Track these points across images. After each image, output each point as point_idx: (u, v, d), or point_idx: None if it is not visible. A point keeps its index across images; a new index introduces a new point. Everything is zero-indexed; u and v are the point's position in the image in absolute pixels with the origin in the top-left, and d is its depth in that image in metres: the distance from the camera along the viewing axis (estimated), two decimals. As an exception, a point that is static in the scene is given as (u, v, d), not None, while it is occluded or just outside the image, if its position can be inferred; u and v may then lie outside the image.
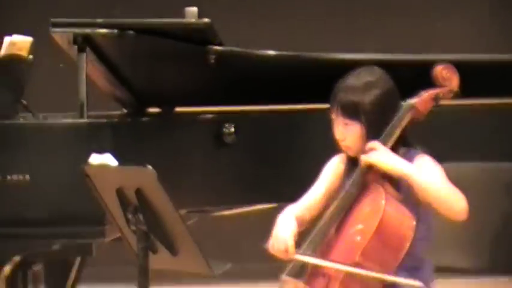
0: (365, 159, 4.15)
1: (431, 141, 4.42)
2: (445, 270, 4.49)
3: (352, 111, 4.24)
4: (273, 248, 4.16)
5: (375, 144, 4.15)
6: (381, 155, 4.14)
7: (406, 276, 4.12)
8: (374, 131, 4.24)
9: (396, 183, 4.18)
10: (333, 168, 4.35)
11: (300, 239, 4.24)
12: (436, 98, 4.28)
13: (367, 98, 4.22)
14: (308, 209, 4.32)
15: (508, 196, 4.81)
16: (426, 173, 4.21)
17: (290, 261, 4.21)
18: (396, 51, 5.46)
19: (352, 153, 4.27)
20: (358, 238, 4.19)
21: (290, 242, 4.11)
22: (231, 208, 5.22)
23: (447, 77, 4.28)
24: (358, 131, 4.22)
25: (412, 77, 4.43)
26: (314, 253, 4.17)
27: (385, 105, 4.27)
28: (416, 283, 4.06)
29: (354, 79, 4.28)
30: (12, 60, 5.38)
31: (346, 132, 4.24)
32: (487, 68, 5.53)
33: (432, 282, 4.26)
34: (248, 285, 5.50)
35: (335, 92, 4.27)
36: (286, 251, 4.16)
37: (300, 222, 4.21)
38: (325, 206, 4.28)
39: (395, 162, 4.16)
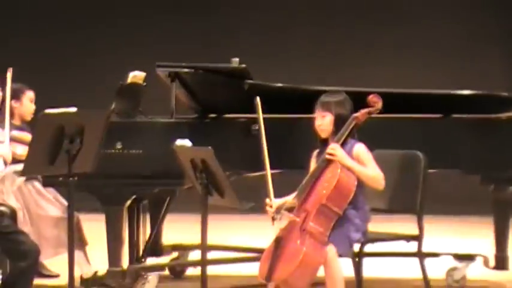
0: (329, 155, 5.50)
1: (368, 136, 5.73)
2: (373, 210, 5.78)
3: (327, 108, 5.63)
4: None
5: (334, 145, 5.52)
6: (341, 156, 5.51)
7: (355, 212, 5.50)
8: (338, 120, 5.59)
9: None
10: (312, 161, 5.70)
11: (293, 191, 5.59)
12: (369, 113, 5.67)
13: (335, 100, 5.66)
14: None
15: (402, 170, 6.01)
16: (363, 166, 5.50)
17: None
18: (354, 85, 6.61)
19: (324, 135, 5.62)
20: (324, 191, 5.47)
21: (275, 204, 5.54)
22: (253, 171, 6.36)
23: (375, 101, 5.69)
24: (330, 119, 5.61)
25: (358, 100, 5.72)
26: (300, 197, 5.49)
27: (344, 106, 5.63)
28: None
29: (328, 94, 5.74)
30: (134, 85, 6.84)
31: (323, 120, 5.61)
32: (399, 97, 6.78)
33: (369, 217, 5.68)
34: (262, 216, 5.79)
35: (318, 100, 5.66)
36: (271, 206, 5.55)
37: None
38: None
39: (346, 160, 5.51)
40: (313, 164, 5.75)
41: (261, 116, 5.71)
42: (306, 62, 10.87)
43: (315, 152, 5.75)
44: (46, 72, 10.82)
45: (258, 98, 5.77)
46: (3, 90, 6.58)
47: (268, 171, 5.62)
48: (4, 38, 11.32)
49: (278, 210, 5.58)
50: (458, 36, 11.23)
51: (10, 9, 11.49)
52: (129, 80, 6.84)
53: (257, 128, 6.17)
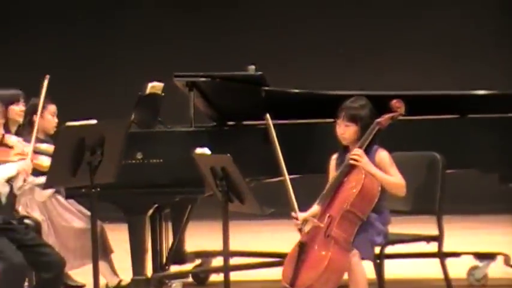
0: (353, 161, 5.49)
1: (386, 138, 5.72)
2: (393, 212, 5.76)
3: (353, 119, 5.62)
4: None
5: (358, 151, 5.52)
6: (365, 163, 5.51)
7: (377, 216, 5.51)
8: (363, 131, 5.60)
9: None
10: (331, 167, 5.71)
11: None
12: (392, 118, 5.67)
13: (361, 112, 5.63)
14: None
15: (420, 172, 5.98)
16: (386, 172, 5.51)
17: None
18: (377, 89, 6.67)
19: (345, 143, 5.63)
20: (349, 197, 5.47)
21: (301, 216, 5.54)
22: (273, 177, 6.21)
23: (398, 106, 5.68)
24: (354, 130, 5.61)
25: (382, 104, 5.71)
26: (324, 203, 5.51)
27: (369, 118, 5.63)
28: None
29: (354, 101, 5.68)
30: (153, 96, 6.87)
31: (347, 129, 5.61)
32: (422, 100, 6.83)
33: (389, 220, 5.68)
34: (281, 221, 6.03)
35: (342, 107, 5.63)
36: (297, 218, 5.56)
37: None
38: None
39: (369, 166, 5.51)
40: (332, 168, 5.75)
41: (272, 131, 5.71)
42: (321, 67, 10.87)
43: (334, 156, 5.76)
44: (67, 84, 10.76)
45: (267, 115, 5.77)
46: (26, 103, 6.74)
47: (289, 185, 5.62)
48: (26, 51, 11.37)
49: (304, 222, 5.58)
50: (468, 39, 11.23)
51: (32, 23, 11.54)
52: (147, 91, 6.88)
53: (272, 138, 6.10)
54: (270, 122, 5.73)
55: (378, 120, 5.63)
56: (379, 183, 5.55)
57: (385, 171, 5.59)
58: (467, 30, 11.22)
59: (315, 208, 5.64)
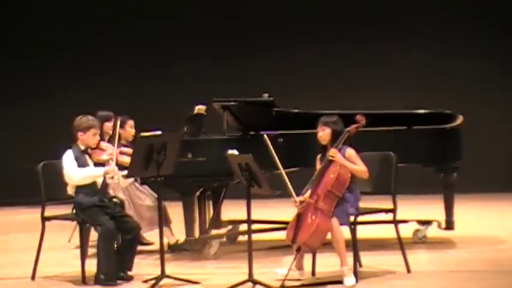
0: (331, 157, 5.44)
1: (356, 143, 5.65)
2: (362, 193, 5.68)
3: (326, 125, 5.58)
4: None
5: (334, 150, 5.48)
6: (338, 158, 5.48)
7: (350, 194, 5.42)
8: (334, 133, 5.54)
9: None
10: (317, 163, 5.62)
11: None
12: (357, 127, 5.63)
13: (332, 120, 5.60)
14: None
15: (380, 165, 5.81)
16: (353, 164, 5.45)
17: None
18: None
19: (324, 143, 5.54)
20: (329, 181, 5.46)
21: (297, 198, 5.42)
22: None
23: (361, 119, 5.65)
24: (328, 132, 5.56)
25: (348, 119, 5.68)
26: (313, 186, 5.41)
27: (337, 124, 5.58)
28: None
29: (326, 116, 5.66)
30: (198, 115, 6.96)
31: (323, 132, 5.56)
32: (381, 116, 6.78)
33: (359, 197, 5.59)
34: (285, 199, 5.59)
35: (319, 120, 5.61)
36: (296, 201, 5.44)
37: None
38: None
39: (342, 160, 5.48)
40: (318, 164, 5.69)
41: (271, 147, 5.47)
42: (313, 93, 10.65)
43: (319, 156, 5.70)
44: (140, 102, 10.76)
45: (265, 135, 5.58)
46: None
47: (287, 179, 5.42)
48: (103, 75, 11.21)
49: (301, 202, 5.48)
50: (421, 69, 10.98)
51: (101, 46, 11.32)
52: (195, 111, 6.93)
53: (282, 140, 6.30)
54: (268, 141, 5.50)
55: (348, 128, 5.58)
56: (349, 172, 5.49)
57: (352, 162, 5.53)
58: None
59: (306, 194, 5.53)
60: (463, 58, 10.87)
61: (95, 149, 5.71)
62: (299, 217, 5.52)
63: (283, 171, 5.43)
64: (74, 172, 5.58)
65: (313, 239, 5.40)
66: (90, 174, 5.63)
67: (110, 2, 11.42)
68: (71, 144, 5.73)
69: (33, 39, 11.30)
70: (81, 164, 5.66)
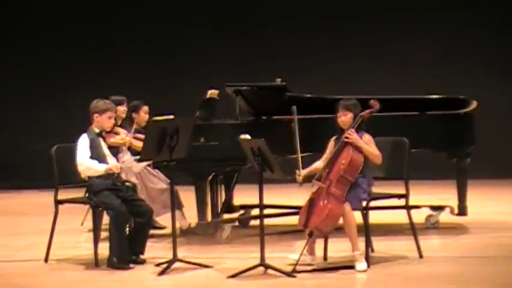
0: (347, 138, 5.46)
1: (371, 128, 5.66)
2: (375, 178, 5.70)
3: (348, 109, 5.57)
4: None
5: (351, 131, 5.50)
6: (355, 138, 5.49)
7: (363, 179, 5.42)
8: (354, 118, 5.54)
9: (358, 147, 5.51)
10: (330, 145, 5.63)
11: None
12: (371, 112, 5.63)
13: (353, 103, 5.59)
14: (321, 166, 5.60)
15: (394, 150, 5.81)
16: (368, 146, 5.47)
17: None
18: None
19: (345, 127, 5.52)
20: (342, 166, 5.49)
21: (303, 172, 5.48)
22: (292, 155, 5.86)
23: (374, 104, 5.65)
24: (351, 116, 5.56)
25: (362, 104, 5.66)
26: (327, 169, 5.43)
27: (357, 109, 5.59)
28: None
29: (346, 99, 5.66)
30: (211, 99, 6.91)
31: (346, 117, 5.55)
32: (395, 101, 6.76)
33: (372, 182, 5.60)
34: (297, 184, 5.55)
35: (339, 103, 5.58)
36: (299, 175, 5.47)
37: (316, 170, 5.56)
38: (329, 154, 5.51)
39: (358, 141, 5.49)
40: (331, 145, 5.65)
41: (296, 117, 5.61)
42: (326, 76, 10.66)
43: (333, 138, 5.67)
44: (155, 88, 10.75)
45: (294, 107, 5.69)
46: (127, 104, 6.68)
47: (299, 152, 5.50)
48: (122, 65, 11.21)
49: (308, 179, 5.46)
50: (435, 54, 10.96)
51: (118, 49, 11.33)
52: (207, 95, 6.88)
53: (294, 124, 5.99)
54: (295, 111, 5.61)
55: (362, 113, 5.59)
56: (362, 156, 5.47)
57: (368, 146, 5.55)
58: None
59: (311, 167, 5.53)
60: (473, 44, 10.83)
61: (109, 132, 5.73)
62: (311, 202, 5.52)
63: (298, 151, 5.46)
64: (82, 160, 5.62)
65: (325, 223, 5.41)
66: (94, 168, 5.64)
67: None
68: (86, 128, 5.76)
69: (51, 27, 11.32)
70: (95, 146, 5.69)
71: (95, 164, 5.63)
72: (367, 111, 5.62)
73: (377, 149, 5.52)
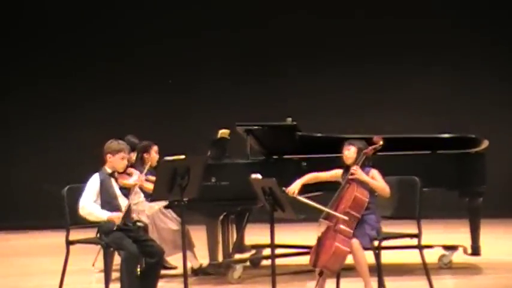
0: (352, 174, 5.46)
1: (381, 167, 5.70)
2: (386, 217, 5.75)
3: (352, 144, 5.63)
4: (288, 189, 5.49)
5: (355, 167, 5.52)
6: (359, 173, 5.53)
7: (370, 216, 5.41)
8: (358, 153, 5.59)
9: (363, 183, 5.54)
10: (335, 172, 5.68)
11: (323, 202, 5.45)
12: (374, 149, 5.66)
13: (357, 142, 5.67)
14: (315, 178, 5.71)
15: (405, 190, 5.75)
16: (375, 180, 5.49)
17: (293, 199, 5.35)
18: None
19: (349, 162, 5.56)
20: (347, 203, 5.48)
21: (294, 188, 5.49)
22: (303, 194, 5.68)
23: (377, 141, 5.67)
24: (354, 150, 5.62)
25: (367, 141, 5.68)
26: (332, 208, 5.39)
27: (361, 143, 5.64)
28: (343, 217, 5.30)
29: (352, 139, 5.76)
30: (222, 139, 6.94)
31: (349, 150, 5.63)
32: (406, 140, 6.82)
33: (379, 219, 5.60)
34: (309, 223, 5.75)
35: (346, 141, 5.69)
36: (293, 192, 5.47)
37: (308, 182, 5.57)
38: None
39: (363, 175, 5.51)
40: (337, 174, 5.69)
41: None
42: (337, 115, 10.68)
43: (341, 171, 5.66)
44: (165, 128, 10.74)
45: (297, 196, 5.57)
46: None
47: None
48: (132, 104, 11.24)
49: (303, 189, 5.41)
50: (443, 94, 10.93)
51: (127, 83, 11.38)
52: (218, 135, 6.92)
53: (305, 164, 6.30)
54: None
55: (365, 150, 5.62)
56: (367, 192, 5.47)
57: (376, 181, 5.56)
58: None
59: (297, 181, 5.56)
60: (482, 81, 10.81)
61: (122, 173, 5.70)
62: (319, 241, 5.52)
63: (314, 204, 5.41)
64: (84, 204, 5.57)
65: (332, 261, 5.40)
66: (95, 214, 5.57)
67: (129, 28, 11.43)
68: (99, 167, 5.73)
69: (61, 60, 11.36)
70: (106, 187, 5.67)
71: (97, 210, 5.58)
72: (371, 147, 5.62)
73: (384, 182, 5.50)
